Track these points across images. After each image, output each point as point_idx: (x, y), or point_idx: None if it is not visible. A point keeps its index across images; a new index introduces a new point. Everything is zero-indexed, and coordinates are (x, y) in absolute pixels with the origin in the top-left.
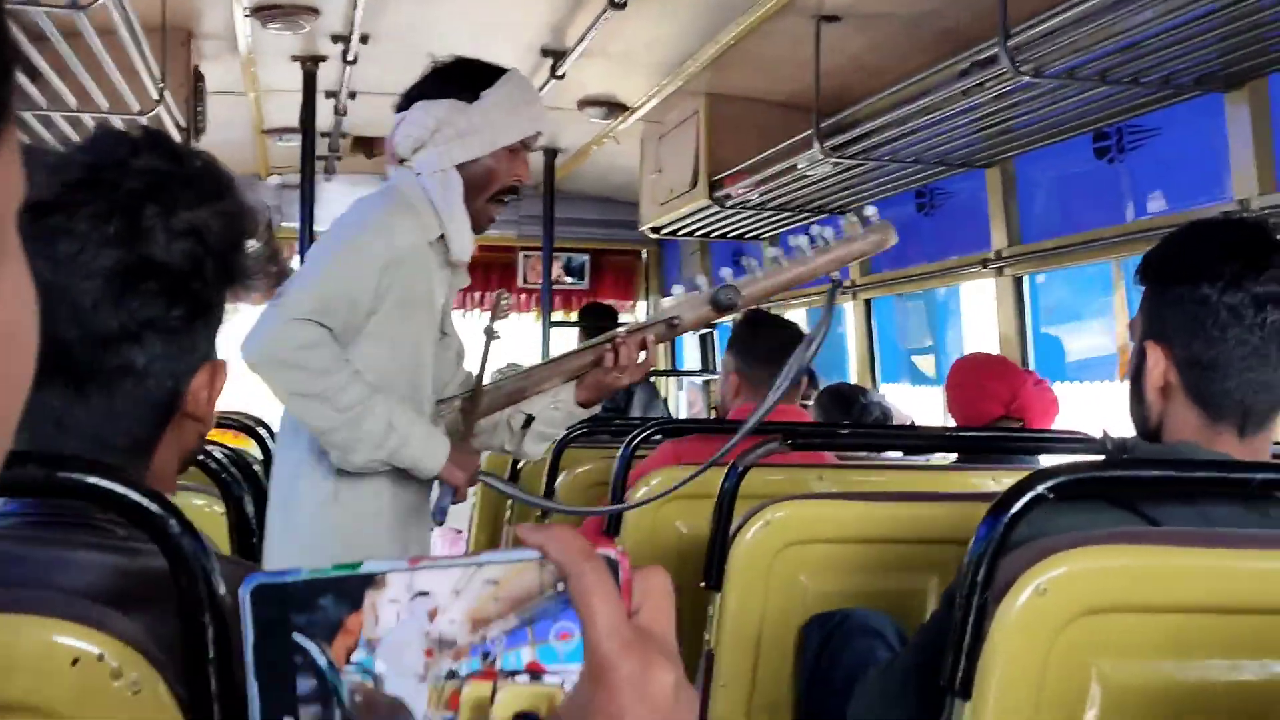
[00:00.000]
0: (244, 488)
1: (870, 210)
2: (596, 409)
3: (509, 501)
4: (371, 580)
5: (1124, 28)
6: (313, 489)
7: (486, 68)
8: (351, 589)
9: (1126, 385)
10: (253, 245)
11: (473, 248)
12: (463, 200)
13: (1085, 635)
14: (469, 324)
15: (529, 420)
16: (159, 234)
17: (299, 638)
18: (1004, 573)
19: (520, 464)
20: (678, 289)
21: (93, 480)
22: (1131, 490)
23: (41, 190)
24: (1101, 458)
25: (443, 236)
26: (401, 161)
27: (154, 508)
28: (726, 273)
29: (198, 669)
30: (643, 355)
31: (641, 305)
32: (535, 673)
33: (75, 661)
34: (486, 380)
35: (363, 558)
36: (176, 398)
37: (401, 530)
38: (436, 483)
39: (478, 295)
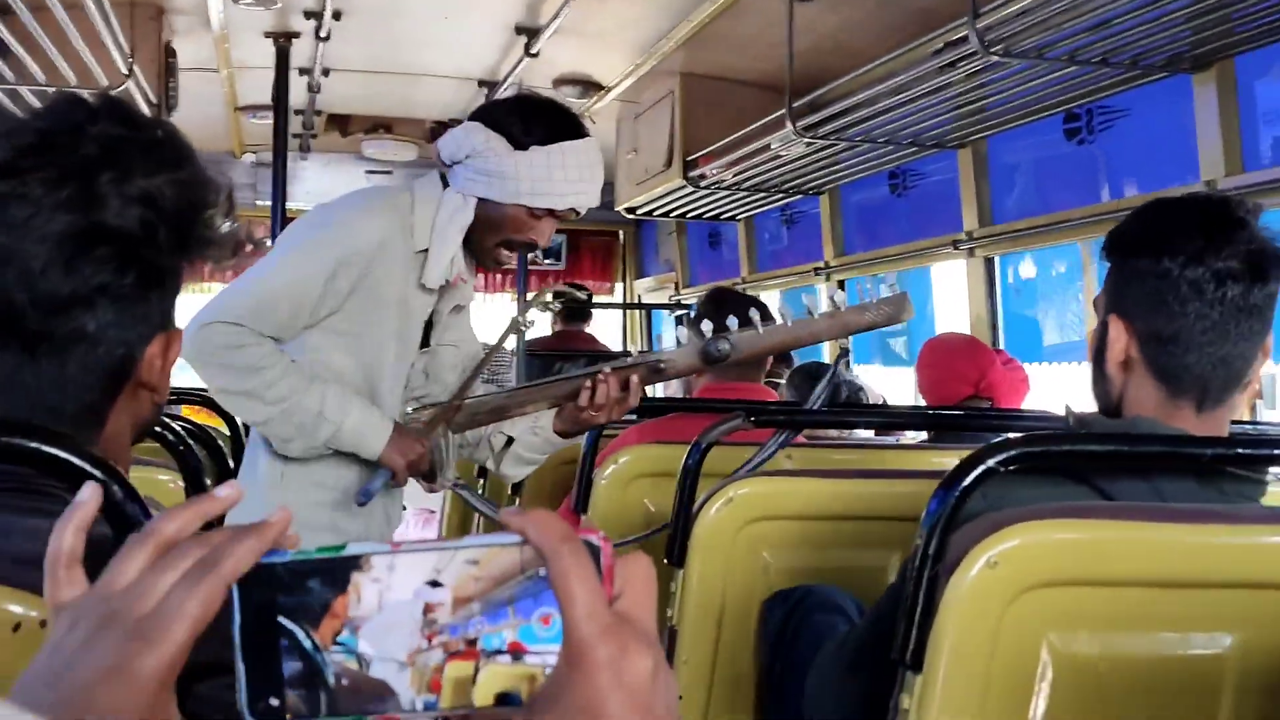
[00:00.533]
0: (201, 461)
1: (891, 278)
2: (576, 440)
3: (481, 482)
4: (351, 564)
5: (1093, 7)
6: (269, 469)
7: (559, 122)
8: (338, 571)
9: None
10: (215, 217)
11: (444, 277)
12: (463, 230)
13: (1036, 608)
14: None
15: (509, 441)
16: (112, 200)
17: (285, 620)
18: (956, 546)
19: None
20: (681, 330)
21: (35, 445)
22: (1083, 464)
23: None
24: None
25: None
26: (448, 165)
27: (96, 473)
28: (733, 322)
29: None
30: (625, 394)
31: (619, 286)
32: (517, 653)
33: (16, 627)
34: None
35: (307, 544)
36: (130, 365)
37: (342, 515)
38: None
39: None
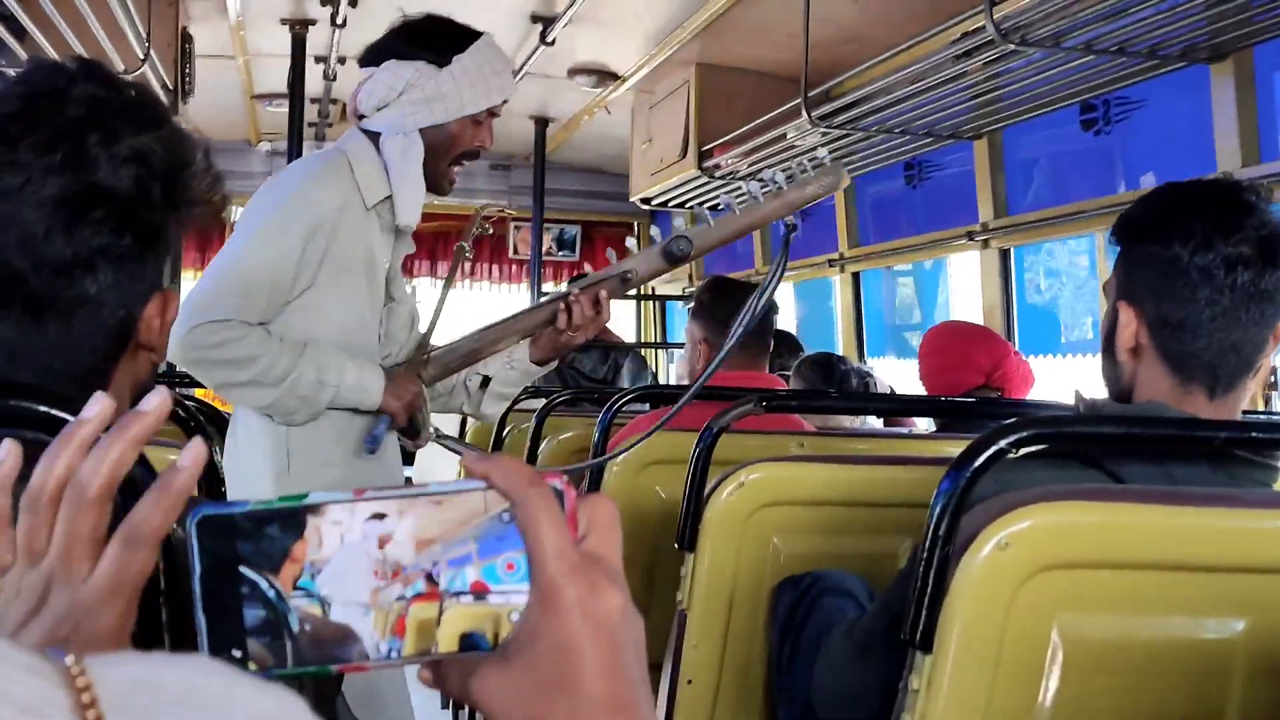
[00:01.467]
0: (212, 438)
1: (822, 152)
2: (551, 366)
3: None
4: (312, 511)
5: None
6: (266, 459)
7: (459, 30)
8: (297, 517)
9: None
10: (198, 173)
11: (419, 214)
12: (421, 165)
13: (1046, 590)
14: (467, 295)
15: (486, 381)
16: (103, 160)
17: (245, 570)
18: (966, 528)
19: (467, 424)
20: (630, 242)
21: (44, 409)
22: (1094, 446)
23: None
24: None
25: (389, 199)
26: (361, 119)
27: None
28: (679, 224)
29: (147, 602)
30: (597, 312)
31: None
32: (480, 593)
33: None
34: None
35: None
36: (130, 326)
37: (360, 467)
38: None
39: (468, 265)
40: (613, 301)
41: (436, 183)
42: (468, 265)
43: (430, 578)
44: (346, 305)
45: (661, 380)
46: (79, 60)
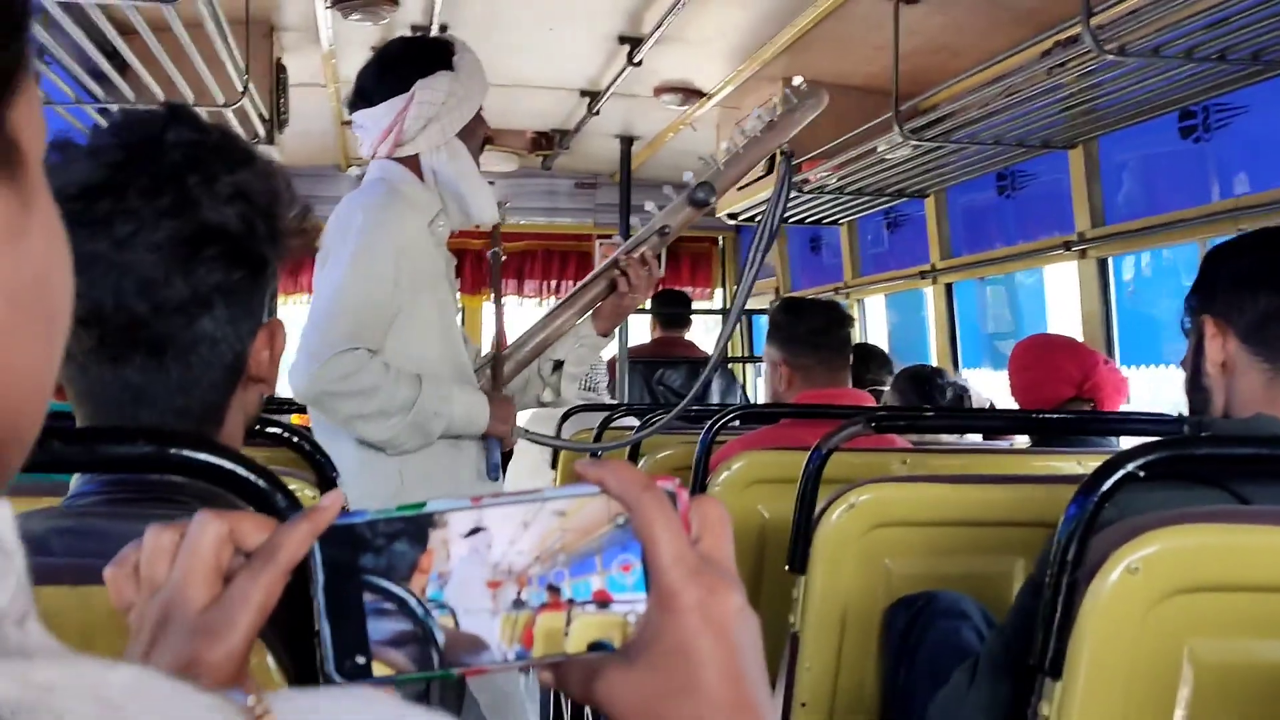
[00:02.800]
0: (335, 469)
1: (798, 79)
2: (614, 337)
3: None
4: (433, 520)
5: (1211, 3)
6: (377, 481)
7: (440, 40)
8: (418, 531)
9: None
10: (290, 206)
11: (495, 209)
12: (474, 163)
13: (1177, 614)
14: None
15: (558, 365)
16: (207, 200)
17: (387, 584)
18: (1094, 552)
19: (559, 456)
20: (650, 205)
21: (204, 456)
22: (1221, 468)
23: (88, 175)
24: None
25: (439, 215)
26: (394, 150)
27: (261, 483)
28: (688, 175)
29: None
30: (648, 269)
31: (718, 292)
32: (603, 601)
33: None
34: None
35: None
36: (243, 360)
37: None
38: (485, 443)
39: (553, 284)
40: (697, 318)
41: None
42: (553, 283)
43: (554, 587)
44: (436, 321)
45: (749, 394)
46: (166, 105)
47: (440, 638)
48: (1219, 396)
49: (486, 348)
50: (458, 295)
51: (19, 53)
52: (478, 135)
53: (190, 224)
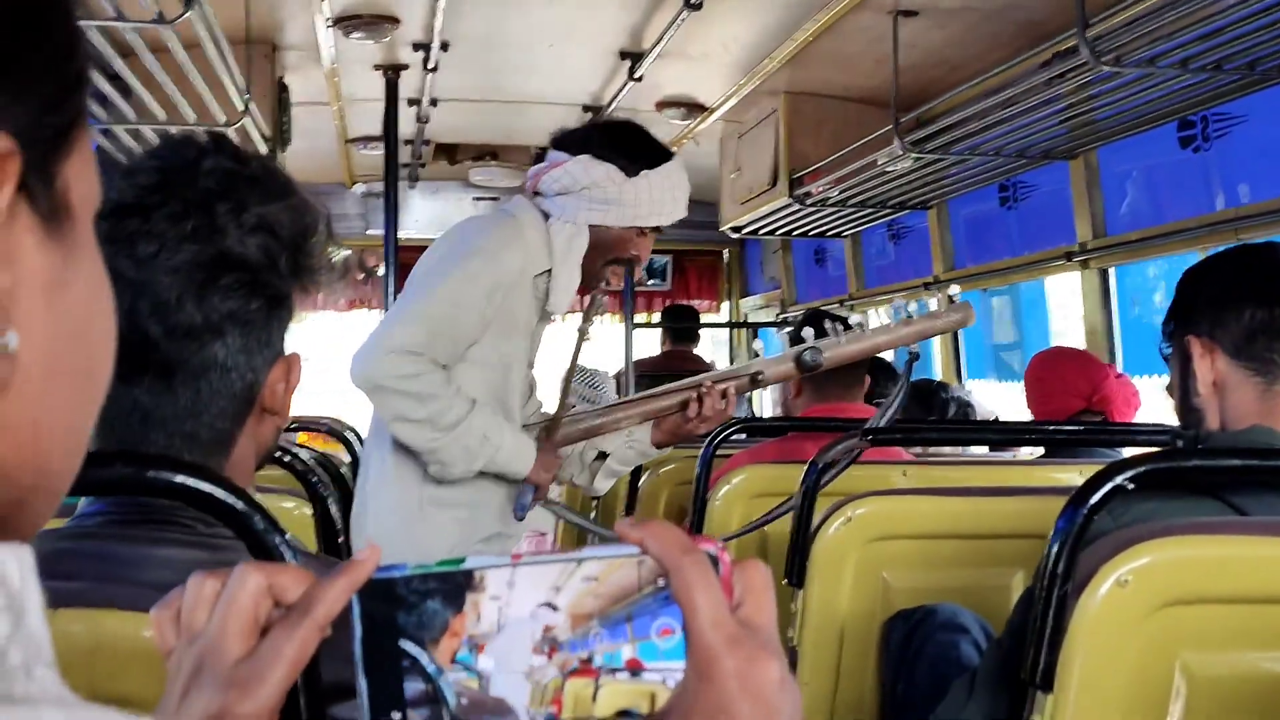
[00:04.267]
0: (330, 489)
1: (954, 289)
2: (668, 450)
3: (595, 503)
4: (470, 580)
5: (1206, 14)
6: (402, 499)
7: (656, 145)
8: (454, 590)
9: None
10: (322, 242)
11: (570, 304)
12: (581, 257)
13: (1169, 626)
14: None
15: (601, 455)
16: (232, 229)
17: (406, 644)
18: (1085, 564)
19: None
20: (758, 344)
21: (180, 478)
22: (1212, 479)
23: (119, 193)
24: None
25: (547, 272)
26: (532, 194)
27: (239, 505)
28: (809, 332)
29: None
30: (725, 403)
31: (724, 305)
32: (634, 670)
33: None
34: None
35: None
36: (255, 391)
37: (480, 543)
38: (522, 485)
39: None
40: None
41: (588, 278)
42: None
43: (586, 652)
44: (507, 365)
45: (755, 407)
46: (210, 135)
47: (451, 700)
48: (1213, 415)
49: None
50: (537, 348)
51: (76, 111)
52: (613, 249)
53: (210, 250)
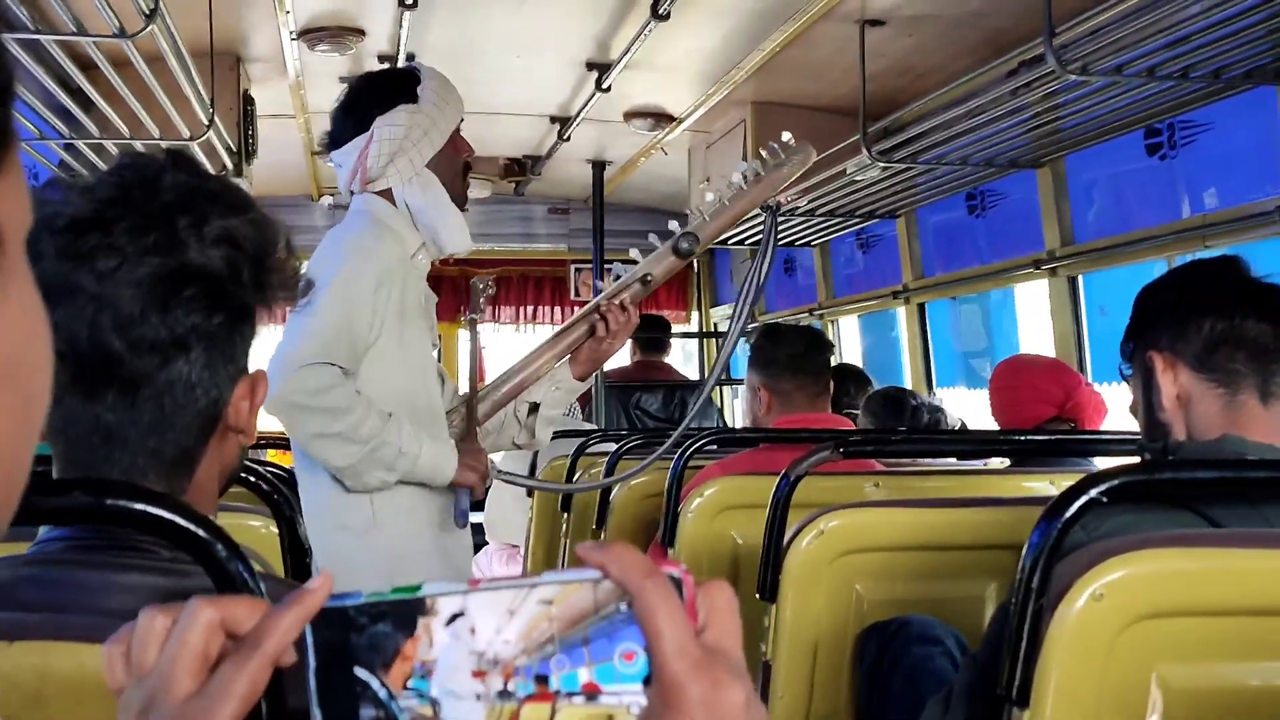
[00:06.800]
0: (295, 508)
1: (786, 135)
2: (590, 382)
3: (565, 516)
4: (423, 606)
5: (1171, 22)
6: (353, 513)
7: (403, 72)
8: (406, 616)
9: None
10: (283, 256)
11: (469, 239)
12: (447, 194)
13: (1144, 640)
14: (524, 339)
15: (534, 407)
16: (194, 242)
17: (359, 671)
18: (1059, 578)
19: (537, 468)
20: (634, 252)
21: (140, 506)
22: (1186, 492)
23: (78, 209)
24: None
25: (421, 248)
26: (364, 186)
27: (200, 532)
28: (674, 225)
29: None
30: (628, 315)
31: (695, 315)
32: (591, 693)
33: None
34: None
35: (415, 574)
36: (220, 408)
37: (443, 538)
38: (455, 491)
39: (529, 309)
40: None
41: (459, 201)
42: (529, 309)
43: (541, 678)
44: (414, 353)
45: (727, 415)
46: (169, 152)
47: None
48: (1179, 428)
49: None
50: (436, 330)
51: (1, 130)
52: (455, 161)
53: (172, 263)
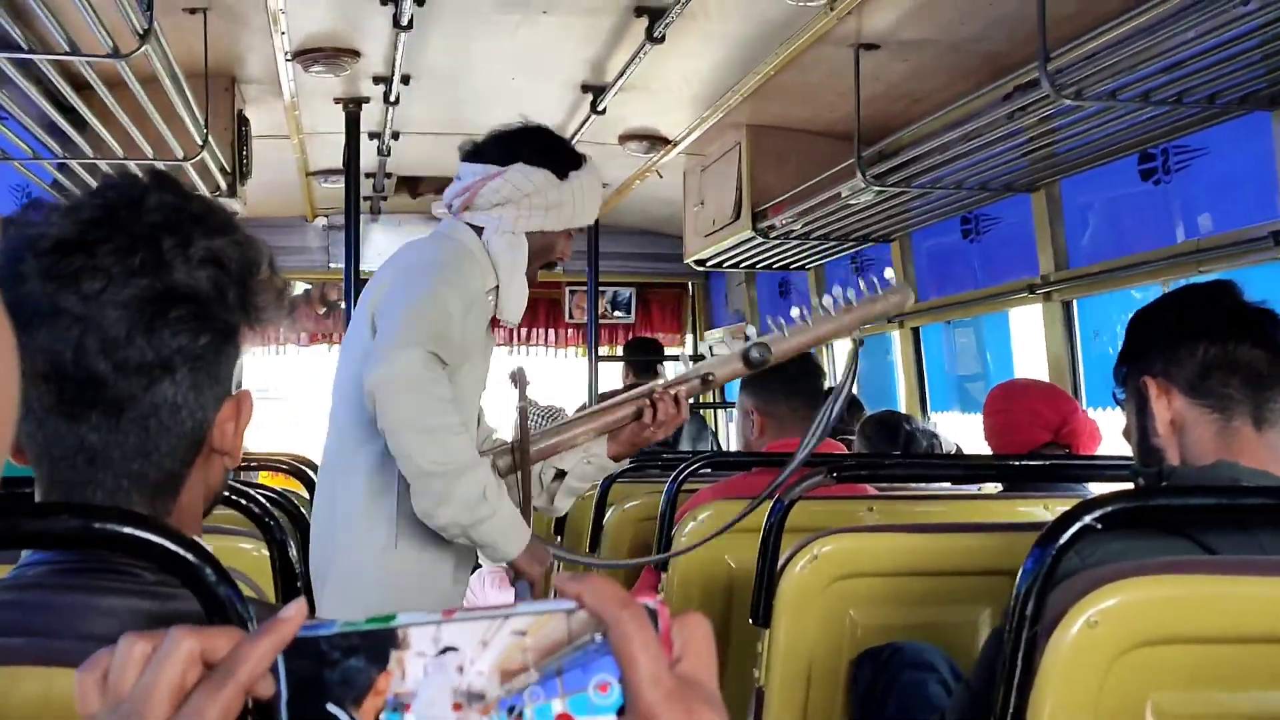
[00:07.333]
0: (286, 532)
1: (889, 272)
2: (626, 463)
3: (558, 539)
4: (395, 638)
5: (1166, 48)
6: (371, 533)
7: (572, 149)
8: (379, 648)
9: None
10: (267, 277)
11: (523, 312)
12: (526, 265)
13: (1139, 667)
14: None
15: (560, 474)
16: (180, 263)
17: (331, 707)
18: (1053, 605)
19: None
20: (713, 345)
21: (129, 530)
22: (1180, 518)
23: (63, 231)
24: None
25: (495, 289)
26: (463, 211)
27: (190, 556)
28: (752, 331)
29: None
30: (678, 408)
31: (689, 338)
32: None
33: None
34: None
35: (422, 608)
36: (205, 430)
37: (462, 574)
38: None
39: (524, 331)
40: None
41: (529, 281)
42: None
43: (514, 709)
44: (472, 385)
45: (720, 439)
46: (152, 173)
47: None
48: (1173, 454)
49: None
50: (488, 372)
51: None
52: (548, 251)
53: (159, 284)
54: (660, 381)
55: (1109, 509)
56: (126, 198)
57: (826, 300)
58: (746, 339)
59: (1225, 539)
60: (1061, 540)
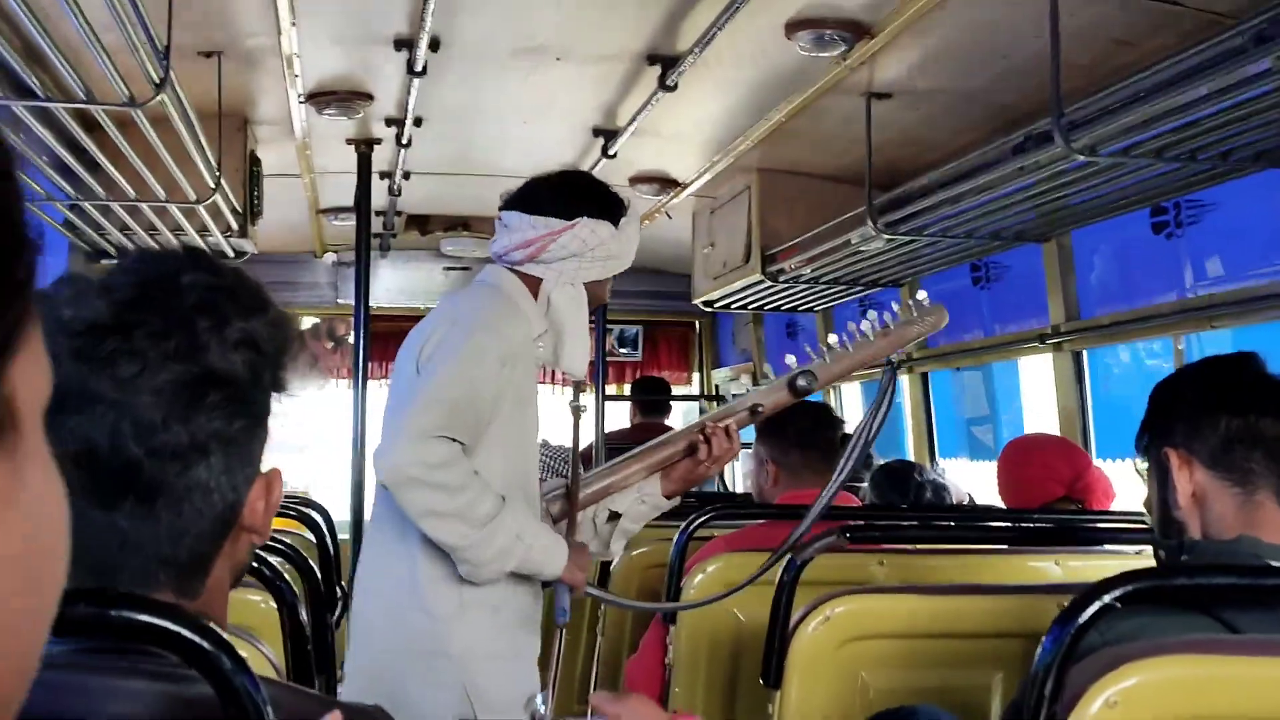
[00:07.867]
0: (297, 595)
1: (922, 294)
2: (677, 500)
3: (600, 606)
4: None
5: (1179, 105)
6: (440, 600)
7: (619, 197)
8: None
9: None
10: (295, 354)
11: (585, 367)
12: (586, 316)
13: None
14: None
15: (614, 515)
16: (215, 345)
17: None
18: (1073, 683)
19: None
20: (722, 373)
21: (144, 617)
22: (1201, 597)
23: (97, 313)
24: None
25: (543, 336)
26: (524, 263)
27: (205, 645)
28: (792, 360)
29: None
30: (731, 441)
31: (695, 376)
32: None
33: None
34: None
35: (486, 675)
36: (236, 511)
37: (521, 637)
38: (556, 586)
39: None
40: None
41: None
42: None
43: None
44: (523, 437)
45: (727, 480)
46: (186, 248)
47: None
48: (1194, 527)
49: None
50: (539, 419)
51: (20, 315)
52: (599, 297)
53: (195, 368)
54: (709, 415)
55: (1129, 588)
56: (160, 275)
57: (864, 325)
58: (765, 376)
59: (1247, 617)
60: (1082, 619)
